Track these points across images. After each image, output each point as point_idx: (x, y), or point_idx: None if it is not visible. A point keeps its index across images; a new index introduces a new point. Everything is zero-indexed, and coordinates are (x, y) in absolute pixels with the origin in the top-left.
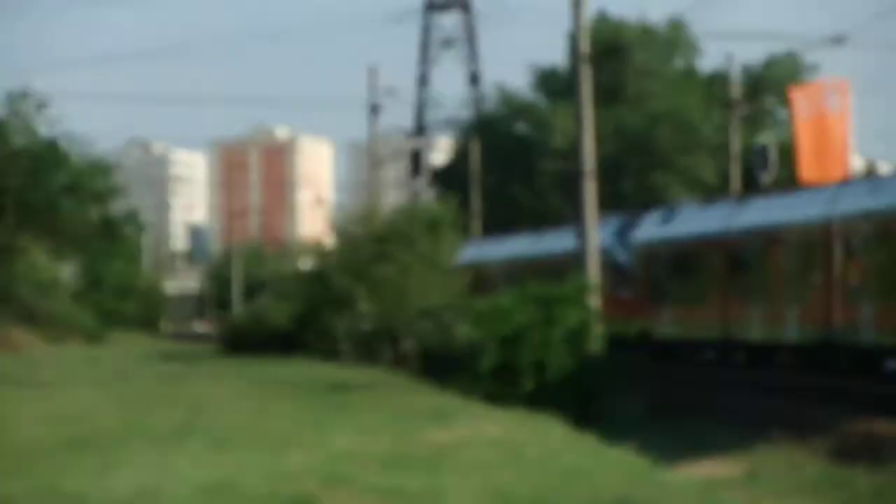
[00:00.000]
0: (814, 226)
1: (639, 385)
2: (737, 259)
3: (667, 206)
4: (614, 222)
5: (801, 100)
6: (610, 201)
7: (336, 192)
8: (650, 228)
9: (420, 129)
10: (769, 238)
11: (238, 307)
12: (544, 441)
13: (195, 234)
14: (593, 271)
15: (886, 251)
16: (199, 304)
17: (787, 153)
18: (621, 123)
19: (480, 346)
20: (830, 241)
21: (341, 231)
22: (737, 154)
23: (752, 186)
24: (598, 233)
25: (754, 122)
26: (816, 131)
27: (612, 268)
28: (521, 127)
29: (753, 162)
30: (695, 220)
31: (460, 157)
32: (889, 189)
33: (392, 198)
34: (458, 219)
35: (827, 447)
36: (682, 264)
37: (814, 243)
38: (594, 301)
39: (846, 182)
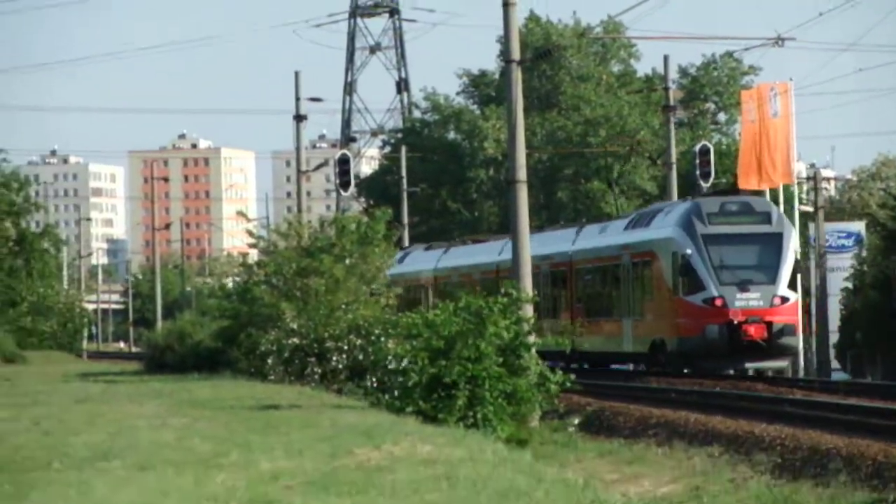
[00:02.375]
0: (563, 259)
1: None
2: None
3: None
4: None
5: (748, 101)
6: (545, 210)
7: (260, 204)
8: None
9: (347, 139)
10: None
11: (160, 325)
12: (479, 460)
13: (115, 249)
14: (526, 281)
15: (594, 280)
16: (120, 323)
17: (729, 156)
18: (556, 129)
19: (411, 361)
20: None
21: (266, 245)
22: (675, 159)
23: (692, 191)
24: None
25: (692, 127)
26: (761, 134)
27: None
28: (451, 134)
29: (694, 166)
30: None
31: (389, 166)
32: (606, 232)
33: (319, 209)
34: (388, 230)
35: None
36: None
37: (563, 272)
38: (528, 312)
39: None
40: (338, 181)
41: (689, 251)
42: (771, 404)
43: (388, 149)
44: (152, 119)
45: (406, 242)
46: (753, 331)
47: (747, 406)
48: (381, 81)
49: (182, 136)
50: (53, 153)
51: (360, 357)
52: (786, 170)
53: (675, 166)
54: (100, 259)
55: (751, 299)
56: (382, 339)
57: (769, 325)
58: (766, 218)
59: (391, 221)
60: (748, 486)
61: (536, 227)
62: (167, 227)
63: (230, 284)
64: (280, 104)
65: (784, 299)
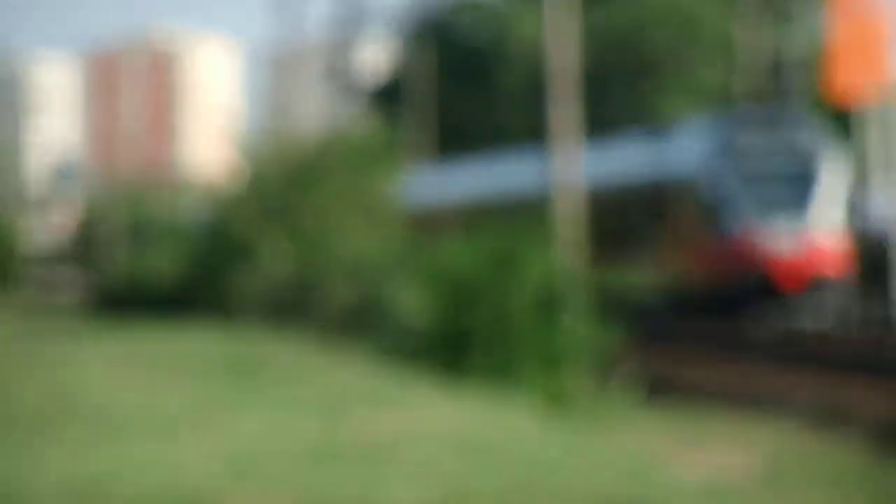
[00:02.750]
0: None
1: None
2: None
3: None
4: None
5: None
6: (591, 121)
7: (241, 111)
8: None
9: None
10: None
11: (112, 262)
12: (505, 428)
13: (60, 168)
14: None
15: None
16: (65, 259)
17: (815, 59)
18: (604, 24)
19: (424, 308)
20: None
21: (245, 164)
22: (752, 58)
23: (770, 97)
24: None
25: (775, 20)
26: (855, 33)
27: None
28: (478, 31)
29: (774, 69)
30: None
31: (401, 69)
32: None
33: (314, 121)
34: (395, 146)
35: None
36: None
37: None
38: (567, 251)
39: None
40: (337, 84)
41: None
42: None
43: (401, 51)
44: (105, 8)
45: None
46: None
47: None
48: None
49: (141, 26)
50: None
51: (361, 302)
52: (880, 74)
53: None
54: (40, 182)
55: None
56: (389, 280)
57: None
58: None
59: (399, 131)
60: (840, 463)
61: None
62: (122, 140)
63: (200, 213)
64: None
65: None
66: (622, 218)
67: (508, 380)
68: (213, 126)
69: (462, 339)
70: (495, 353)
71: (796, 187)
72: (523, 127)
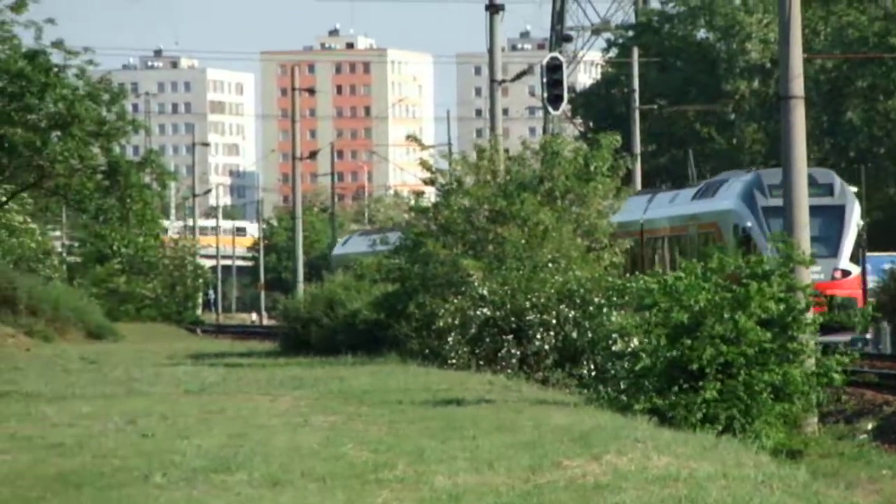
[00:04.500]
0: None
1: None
2: None
3: None
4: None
5: None
6: (829, 136)
7: (440, 125)
8: None
9: (559, 38)
10: None
11: (302, 289)
12: (735, 477)
13: (241, 185)
14: (801, 234)
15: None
16: (247, 286)
17: None
18: (845, 27)
19: (643, 341)
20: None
21: (448, 181)
22: None
23: None
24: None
25: None
26: None
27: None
28: (701, 33)
29: None
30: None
31: (615, 75)
32: (675, 201)
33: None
34: (615, 162)
35: None
36: None
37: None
38: (806, 276)
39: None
40: (545, 95)
41: (749, 223)
42: None
43: (614, 52)
44: (293, 10)
45: (638, 179)
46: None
47: None
48: None
49: (334, 33)
50: (158, 54)
51: (574, 335)
52: None
53: None
54: (221, 198)
55: (811, 272)
56: (605, 310)
57: (830, 298)
58: (829, 190)
59: (619, 150)
60: None
61: None
62: (312, 155)
63: (396, 235)
64: None
65: (845, 273)
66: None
67: (736, 416)
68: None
69: (683, 373)
70: (721, 387)
71: (815, 219)
72: (756, 140)
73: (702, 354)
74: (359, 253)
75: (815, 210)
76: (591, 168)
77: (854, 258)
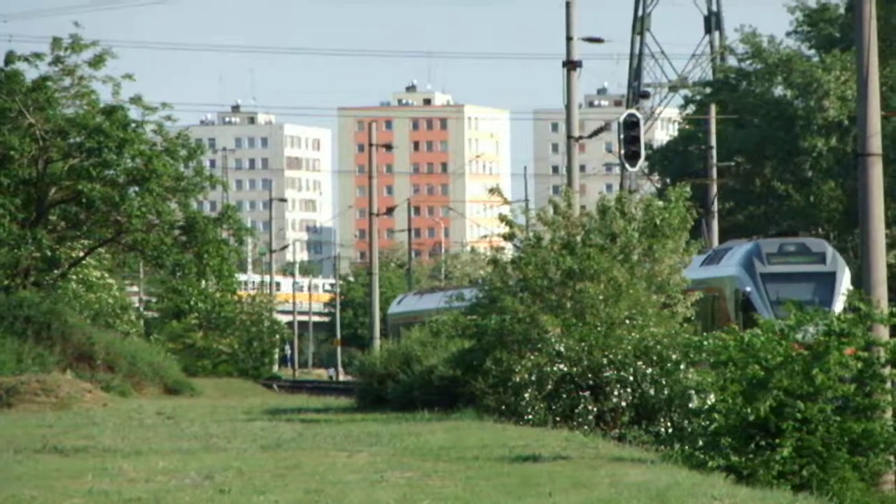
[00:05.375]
0: None
1: None
2: None
3: None
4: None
5: None
6: None
7: (517, 181)
8: None
9: (636, 94)
10: None
11: (378, 345)
12: None
13: (318, 241)
14: (880, 290)
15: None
16: (324, 342)
17: None
18: None
19: (719, 398)
20: None
21: (525, 238)
22: None
23: None
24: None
25: None
26: None
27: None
28: (778, 90)
29: None
30: None
31: (693, 132)
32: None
33: (597, 189)
34: (686, 215)
35: None
36: None
37: None
38: (884, 333)
39: None
40: (623, 151)
41: (748, 288)
42: None
43: (691, 109)
44: (370, 66)
45: (715, 235)
46: None
47: None
48: (684, 16)
49: (411, 89)
50: (236, 109)
51: (651, 392)
52: None
53: None
54: (297, 254)
55: (806, 332)
56: (681, 367)
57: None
58: (822, 258)
59: (692, 204)
60: None
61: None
62: (389, 211)
63: (474, 290)
64: (545, 46)
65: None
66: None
67: (815, 472)
68: (495, 193)
69: (759, 429)
70: (800, 444)
71: (809, 284)
72: (834, 197)
73: (778, 413)
74: (413, 311)
75: (809, 276)
76: (658, 222)
77: None
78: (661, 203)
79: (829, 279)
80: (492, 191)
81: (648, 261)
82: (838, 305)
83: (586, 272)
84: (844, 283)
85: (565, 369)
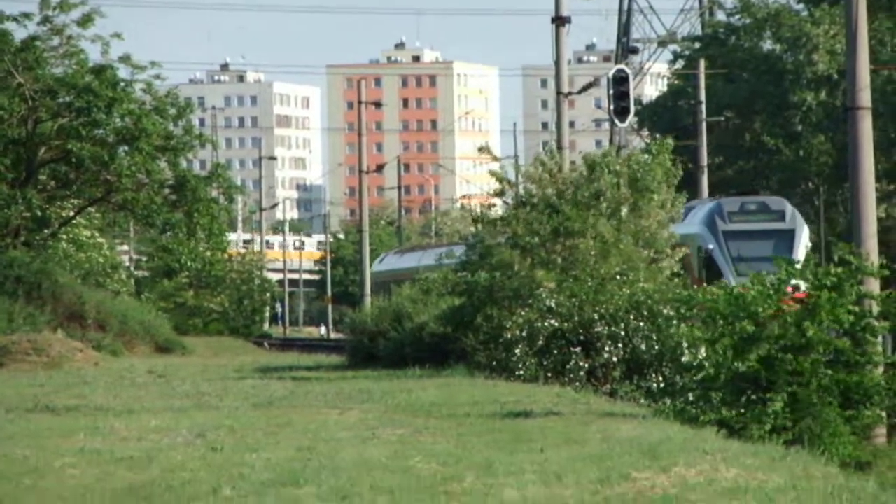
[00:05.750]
0: None
1: None
2: None
3: None
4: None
5: None
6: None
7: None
8: None
9: (625, 50)
10: None
11: (369, 303)
12: (803, 489)
13: (308, 199)
14: (869, 244)
15: None
16: (314, 300)
17: None
18: None
19: (709, 352)
20: None
21: (515, 194)
22: None
23: None
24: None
25: None
26: None
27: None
28: (767, 44)
29: None
30: None
31: (682, 87)
32: None
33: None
34: (671, 168)
35: None
36: None
37: None
38: (874, 286)
39: None
40: (612, 107)
41: (711, 246)
42: None
43: (680, 64)
44: (359, 23)
45: (705, 190)
46: None
47: None
48: None
49: (400, 46)
50: (225, 68)
51: (642, 347)
52: None
53: None
54: (287, 212)
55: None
56: (673, 321)
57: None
58: (781, 216)
59: (675, 157)
60: None
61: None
62: (379, 168)
63: (464, 247)
64: (533, 2)
65: (796, 288)
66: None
67: (804, 429)
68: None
69: (750, 383)
70: (788, 396)
71: (769, 241)
72: (823, 151)
73: (769, 367)
74: (394, 270)
75: (769, 233)
76: (640, 176)
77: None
78: (644, 157)
79: (789, 236)
80: (481, 149)
81: (635, 216)
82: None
83: (573, 229)
84: (804, 239)
85: (556, 325)
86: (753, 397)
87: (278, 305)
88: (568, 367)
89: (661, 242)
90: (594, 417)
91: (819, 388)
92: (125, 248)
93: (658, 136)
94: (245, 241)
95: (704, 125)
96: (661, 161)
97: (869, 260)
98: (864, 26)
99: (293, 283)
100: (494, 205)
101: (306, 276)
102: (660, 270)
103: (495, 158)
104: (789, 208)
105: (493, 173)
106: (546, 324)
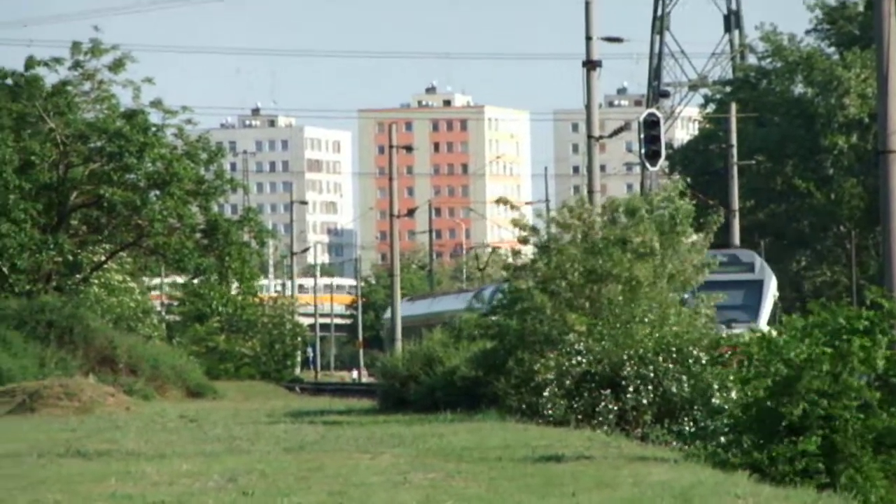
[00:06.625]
0: None
1: None
2: None
3: None
4: None
5: None
6: None
7: (537, 182)
8: None
9: (656, 94)
10: None
11: (400, 347)
12: None
13: (339, 243)
14: None
15: None
16: (346, 344)
17: None
18: None
19: (740, 394)
20: None
21: (544, 238)
22: None
23: None
24: None
25: None
26: None
27: None
28: (798, 88)
29: None
30: None
31: (713, 131)
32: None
33: (617, 189)
34: (697, 212)
35: None
36: None
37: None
38: None
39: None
40: (643, 151)
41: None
42: None
43: (711, 107)
44: (391, 68)
45: (737, 234)
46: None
47: None
48: (704, 15)
49: (431, 90)
50: (256, 112)
51: (673, 390)
52: None
53: None
54: (318, 257)
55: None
56: (704, 364)
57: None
58: (750, 267)
59: (710, 206)
60: None
61: None
62: (410, 213)
63: (494, 292)
64: (564, 46)
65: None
66: None
67: (842, 469)
68: (503, 203)
69: (783, 427)
70: (825, 442)
71: (739, 291)
72: (855, 195)
73: (798, 408)
74: (408, 317)
75: (739, 283)
76: (675, 220)
77: (772, 322)
78: (680, 202)
79: (758, 286)
80: (498, 201)
81: (671, 258)
82: (766, 309)
83: (606, 272)
84: (772, 289)
85: (586, 366)
86: (786, 440)
87: (309, 350)
88: (598, 409)
89: (694, 283)
90: (625, 461)
91: (851, 433)
92: (156, 292)
93: (689, 179)
94: (281, 286)
95: (736, 169)
96: (683, 202)
97: None
98: (895, 69)
99: (324, 327)
100: (521, 251)
101: (337, 321)
102: (694, 313)
103: (513, 207)
104: (758, 260)
105: (514, 222)
106: (574, 361)
